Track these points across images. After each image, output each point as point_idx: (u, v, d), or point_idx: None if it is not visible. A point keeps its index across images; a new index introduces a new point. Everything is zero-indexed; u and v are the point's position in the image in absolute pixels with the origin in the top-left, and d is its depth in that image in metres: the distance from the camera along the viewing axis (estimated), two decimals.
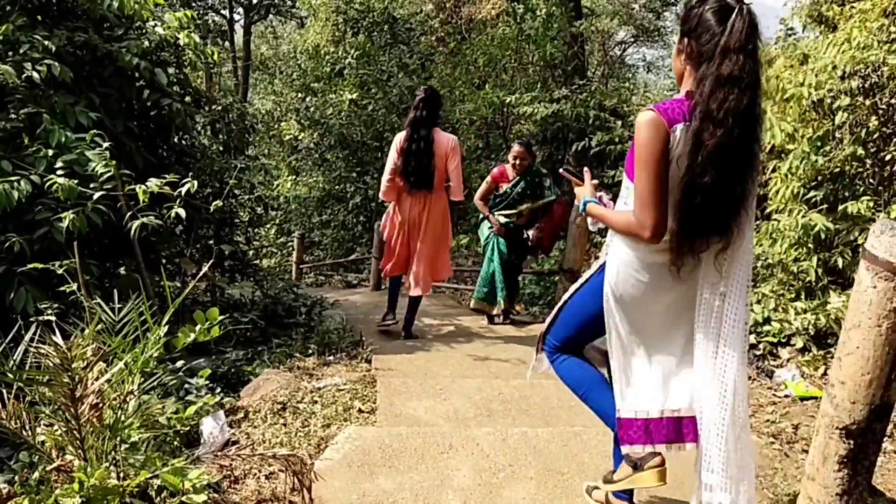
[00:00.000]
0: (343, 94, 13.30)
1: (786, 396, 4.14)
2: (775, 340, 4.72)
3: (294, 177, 14.81)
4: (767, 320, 4.83)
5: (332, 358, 4.61)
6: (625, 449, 2.44)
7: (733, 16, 2.13)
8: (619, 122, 9.38)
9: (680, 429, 2.40)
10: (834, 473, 2.25)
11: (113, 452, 2.47)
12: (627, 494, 2.63)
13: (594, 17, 14.38)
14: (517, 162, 6.17)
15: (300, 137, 13.97)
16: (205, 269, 3.54)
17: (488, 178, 6.41)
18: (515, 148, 6.26)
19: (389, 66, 12.91)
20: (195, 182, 3.87)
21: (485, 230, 6.47)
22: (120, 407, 2.44)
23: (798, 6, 7.21)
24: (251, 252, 13.95)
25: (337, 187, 13.20)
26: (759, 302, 5.00)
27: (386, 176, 5.34)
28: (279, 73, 19.25)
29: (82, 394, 2.23)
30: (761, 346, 4.75)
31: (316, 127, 13.55)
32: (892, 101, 4.35)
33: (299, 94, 15.09)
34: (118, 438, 2.46)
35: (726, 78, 2.11)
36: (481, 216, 6.59)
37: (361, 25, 13.91)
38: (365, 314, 7.28)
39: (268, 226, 14.96)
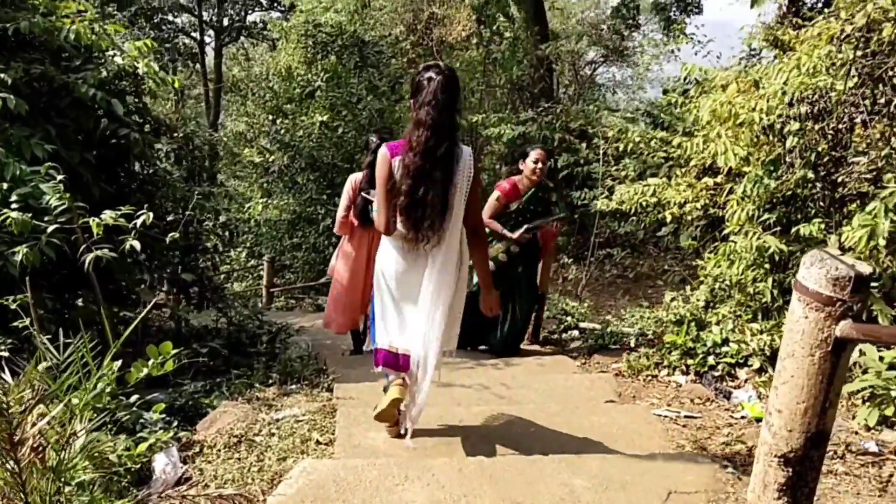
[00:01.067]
0: (314, 116, 13.31)
1: (742, 417, 4.19)
2: (733, 361, 4.78)
3: (265, 199, 14.76)
4: (726, 341, 4.90)
5: (294, 387, 4.59)
6: (378, 369, 3.66)
7: (429, 79, 3.17)
8: (584, 144, 9.48)
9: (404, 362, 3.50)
10: (774, 502, 2.28)
11: (57, 495, 2.44)
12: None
13: (561, 40, 14.56)
14: (538, 167, 5.55)
15: (271, 160, 13.94)
16: (157, 298, 3.52)
17: (497, 195, 5.69)
18: (536, 152, 5.62)
19: (359, 88, 12.95)
20: (150, 214, 3.85)
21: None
22: (63, 448, 2.41)
23: (754, 30, 7.39)
24: (222, 276, 13.90)
25: (308, 209, 13.17)
26: (717, 323, 5.08)
27: (341, 213, 5.67)
28: (251, 94, 19.23)
29: (21, 437, 2.20)
30: (720, 367, 4.81)
31: (286, 149, 13.53)
32: (840, 126, 4.46)
33: (270, 116, 15.07)
34: (62, 480, 2.43)
35: (418, 122, 3.17)
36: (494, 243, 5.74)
37: (331, 48, 13.95)
38: (332, 339, 7.25)
39: (238, 249, 14.86)
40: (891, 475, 3.36)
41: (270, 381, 4.60)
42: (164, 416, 3.78)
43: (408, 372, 3.49)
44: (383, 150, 3.25)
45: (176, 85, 5.60)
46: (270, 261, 11.59)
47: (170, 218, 6.02)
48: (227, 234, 7.69)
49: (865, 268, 2.10)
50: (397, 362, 3.52)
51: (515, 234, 5.61)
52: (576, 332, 6.66)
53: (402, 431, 3.63)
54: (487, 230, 5.40)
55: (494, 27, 11.21)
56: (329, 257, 11.91)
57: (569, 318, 6.88)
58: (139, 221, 3.86)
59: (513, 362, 5.77)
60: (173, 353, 3.45)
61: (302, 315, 10.83)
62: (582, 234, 10.60)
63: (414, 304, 3.40)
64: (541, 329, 6.54)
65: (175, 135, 5.97)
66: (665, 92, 12.34)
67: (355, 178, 5.63)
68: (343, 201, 5.63)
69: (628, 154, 7.68)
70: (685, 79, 6.51)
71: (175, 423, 3.78)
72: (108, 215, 3.83)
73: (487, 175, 13.14)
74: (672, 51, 10.16)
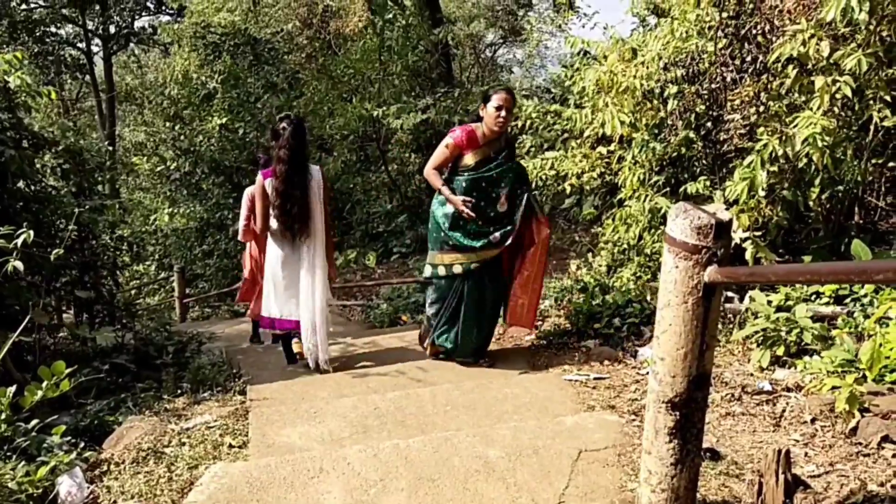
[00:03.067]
0: (212, 119, 12.98)
1: (648, 373, 4.35)
2: (637, 321, 4.95)
3: (171, 209, 14.33)
4: (629, 302, 5.06)
5: (205, 395, 4.49)
6: (263, 331, 5.82)
7: (284, 129, 4.70)
8: None
9: (292, 324, 5.00)
10: (666, 445, 2.39)
11: None
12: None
13: (453, 24, 14.63)
14: (502, 114, 4.35)
15: (171, 167, 13.53)
16: (44, 319, 3.39)
17: (447, 141, 4.55)
18: (499, 96, 4.37)
19: (256, 87, 12.70)
20: (31, 233, 3.69)
21: (438, 246, 4.75)
22: None
23: (634, 1, 7.62)
24: (132, 292, 13.43)
25: (216, 215, 12.87)
26: (621, 287, 5.24)
27: (242, 222, 6.15)
28: (147, 103, 18.60)
29: None
30: (625, 327, 4.97)
31: (187, 155, 13.19)
32: (713, 86, 4.66)
33: (167, 124, 14.64)
34: None
35: (279, 159, 4.69)
36: (435, 215, 4.72)
37: (224, 49, 13.62)
38: (250, 343, 7.14)
39: (147, 262, 14.41)
40: (783, 410, 3.56)
41: (180, 392, 4.49)
42: (69, 438, 3.65)
43: (298, 332, 4.97)
44: (259, 176, 4.85)
45: (52, 97, 5.35)
46: (181, 271, 11.26)
47: (67, 235, 5.80)
48: (128, 247, 7.45)
49: (725, 214, 2.21)
50: (283, 325, 5.02)
51: (450, 195, 4.50)
52: None
53: (318, 367, 5.01)
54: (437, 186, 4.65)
55: (387, 15, 11.17)
56: (241, 261, 11.81)
57: None
58: (20, 241, 3.69)
59: None
60: (67, 373, 3.35)
61: (219, 322, 10.60)
62: None
63: (296, 281, 4.87)
64: None
65: (58, 149, 5.71)
66: (564, 68, 12.61)
67: (250, 190, 5.92)
68: (243, 211, 6.06)
69: (526, 130, 7.82)
70: (574, 52, 6.66)
71: (81, 445, 3.66)
72: None
73: (396, 165, 13.14)
74: (560, 25, 10.34)
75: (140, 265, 14.67)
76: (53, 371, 3.25)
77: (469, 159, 4.50)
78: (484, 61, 22.53)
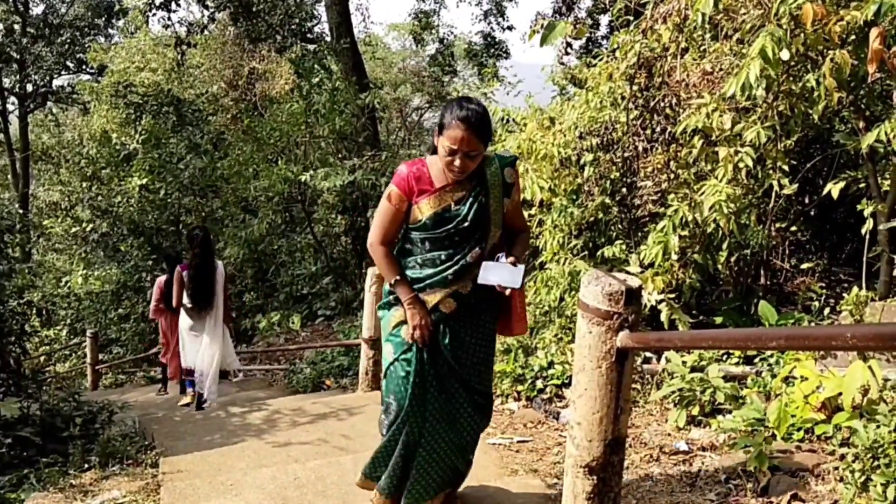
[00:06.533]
0: (132, 180, 12.70)
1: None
2: (559, 382, 5.01)
3: (86, 271, 13.80)
4: (551, 364, 5.12)
5: (115, 468, 4.28)
6: (174, 380, 8.17)
7: (197, 235, 6.87)
8: None
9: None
10: None
11: None
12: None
13: (380, 88, 14.89)
14: (455, 164, 2.72)
15: (88, 228, 13.10)
16: None
17: (390, 190, 2.87)
18: (456, 126, 2.67)
19: (179, 148, 12.53)
20: None
21: (391, 330, 3.00)
22: None
23: (554, 70, 7.95)
24: (41, 358, 12.80)
25: (133, 277, 12.47)
26: (542, 348, 5.31)
27: (153, 304, 8.11)
28: (64, 162, 18.10)
29: None
30: (547, 389, 5.01)
31: (105, 216, 12.82)
32: (626, 154, 4.87)
33: (84, 183, 14.24)
34: None
35: (193, 255, 6.77)
36: (385, 294, 3.05)
37: (146, 109, 13.45)
38: (166, 411, 6.88)
39: (58, 327, 13.79)
40: (699, 470, 3.64)
41: (88, 466, 4.27)
42: None
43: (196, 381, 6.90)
44: (178, 268, 6.89)
45: None
46: (94, 336, 10.78)
47: None
48: (38, 312, 7.15)
49: (635, 281, 2.29)
50: (190, 374, 6.95)
51: (420, 326, 2.89)
52: None
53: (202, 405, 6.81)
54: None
55: (314, 80, 11.29)
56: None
57: None
58: None
59: (354, 411, 5.72)
60: None
61: (133, 390, 10.16)
62: None
63: (200, 343, 6.78)
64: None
65: None
66: None
67: (160, 280, 7.93)
68: (155, 295, 7.94)
69: None
70: (496, 119, 6.86)
71: None
72: None
73: (322, 227, 13.08)
74: (485, 94, 10.67)
75: (51, 330, 14.04)
76: None
77: (420, 212, 2.85)
78: (410, 125, 22.92)
